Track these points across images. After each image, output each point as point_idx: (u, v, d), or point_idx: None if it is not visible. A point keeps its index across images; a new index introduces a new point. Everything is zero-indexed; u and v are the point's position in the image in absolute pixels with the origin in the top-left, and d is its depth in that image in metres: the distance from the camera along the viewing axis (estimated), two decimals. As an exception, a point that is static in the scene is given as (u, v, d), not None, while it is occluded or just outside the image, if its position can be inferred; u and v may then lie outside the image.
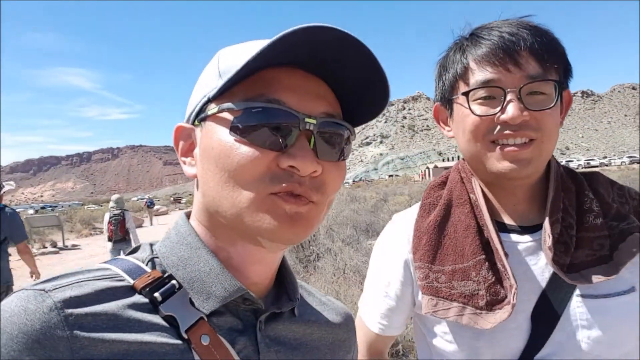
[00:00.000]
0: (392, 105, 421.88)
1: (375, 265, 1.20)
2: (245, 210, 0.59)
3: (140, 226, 22.14)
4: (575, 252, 0.94)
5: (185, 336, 0.58)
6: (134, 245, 1.58)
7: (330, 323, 0.81)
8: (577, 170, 1.08)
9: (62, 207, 75.72)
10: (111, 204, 8.48)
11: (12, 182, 6.06)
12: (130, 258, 0.66)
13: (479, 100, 0.94)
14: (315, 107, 0.62)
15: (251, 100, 0.59)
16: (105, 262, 0.65)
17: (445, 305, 0.98)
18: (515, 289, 0.91)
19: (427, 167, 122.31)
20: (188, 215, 0.72)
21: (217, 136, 0.61)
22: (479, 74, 0.93)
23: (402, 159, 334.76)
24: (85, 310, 0.53)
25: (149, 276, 0.62)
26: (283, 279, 0.76)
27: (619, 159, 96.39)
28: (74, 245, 17.30)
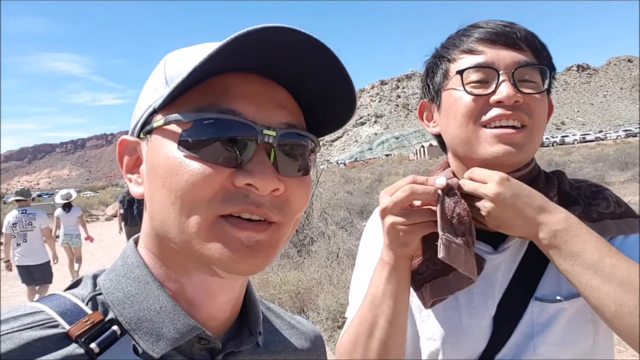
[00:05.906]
0: (386, 84, 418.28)
1: (361, 264, 1.16)
2: (195, 236, 0.53)
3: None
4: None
5: None
6: None
7: (298, 350, 0.76)
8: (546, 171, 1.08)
9: (58, 195, 75.48)
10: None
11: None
12: (69, 295, 0.58)
13: (472, 84, 0.96)
14: (274, 117, 0.56)
15: (202, 111, 0.53)
16: (39, 301, 0.56)
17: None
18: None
19: (422, 146, 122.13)
20: (137, 241, 0.65)
21: (164, 151, 0.54)
22: (475, 57, 0.96)
23: (397, 138, 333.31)
24: None
25: (87, 321, 0.53)
26: (246, 308, 0.69)
27: (615, 132, 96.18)
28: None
